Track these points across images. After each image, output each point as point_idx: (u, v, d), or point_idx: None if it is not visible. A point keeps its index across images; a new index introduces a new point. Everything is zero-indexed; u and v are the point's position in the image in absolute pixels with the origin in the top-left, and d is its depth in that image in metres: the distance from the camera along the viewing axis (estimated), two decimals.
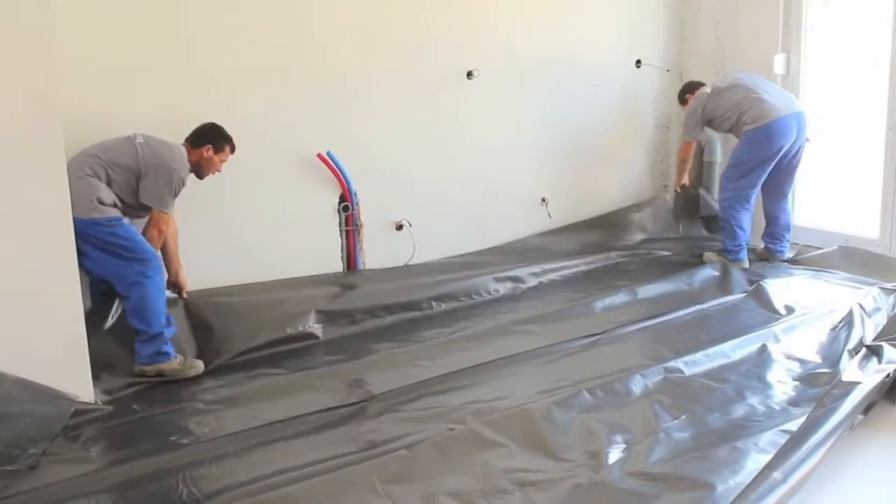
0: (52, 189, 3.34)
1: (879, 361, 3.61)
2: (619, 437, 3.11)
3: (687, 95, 5.70)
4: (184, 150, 3.93)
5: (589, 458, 2.97)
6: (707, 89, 5.49)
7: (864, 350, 3.76)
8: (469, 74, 5.19)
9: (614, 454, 3.00)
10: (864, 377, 3.43)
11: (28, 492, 2.87)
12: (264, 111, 4.47)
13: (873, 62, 5.39)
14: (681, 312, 4.51)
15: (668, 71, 6.20)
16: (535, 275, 5.24)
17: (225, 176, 4.26)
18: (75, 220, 3.47)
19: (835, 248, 5.41)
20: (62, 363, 3.43)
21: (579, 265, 5.49)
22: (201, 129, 4.03)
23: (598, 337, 4.19)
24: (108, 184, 3.71)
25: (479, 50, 5.23)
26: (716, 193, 5.95)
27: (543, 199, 5.69)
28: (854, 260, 5.22)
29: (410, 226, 5.07)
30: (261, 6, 4.40)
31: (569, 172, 5.82)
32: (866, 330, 4.05)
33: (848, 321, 4.13)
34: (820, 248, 5.53)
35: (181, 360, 3.87)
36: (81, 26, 3.89)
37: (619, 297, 4.78)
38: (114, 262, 3.69)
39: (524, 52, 5.46)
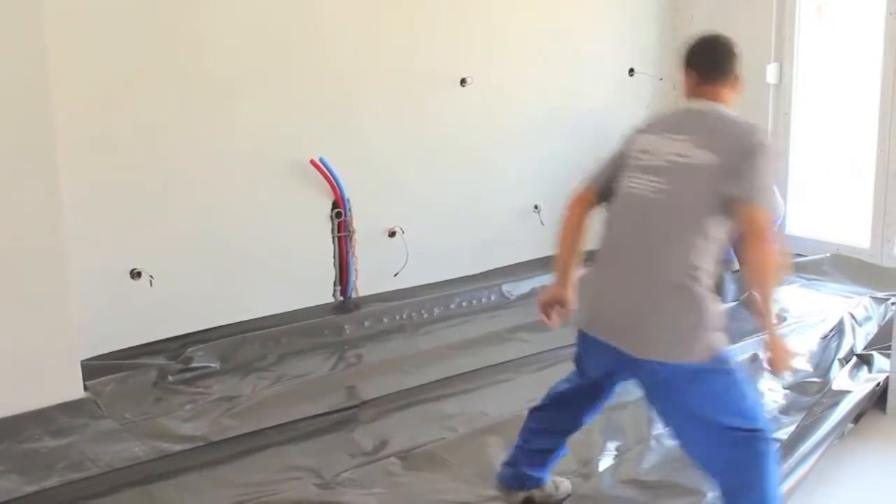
0: (45, 199, 3.33)
1: (870, 370, 3.63)
2: (610, 445, 3.12)
3: None
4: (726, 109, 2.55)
5: (580, 465, 2.97)
6: None
7: (854, 359, 3.77)
8: (462, 81, 5.19)
9: (605, 461, 3.01)
10: (855, 386, 3.45)
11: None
12: (257, 117, 4.46)
13: (865, 71, 5.41)
14: None
15: (661, 79, 6.21)
16: (526, 282, 5.25)
17: (215, 181, 4.28)
18: (666, 366, 2.29)
19: (827, 255, 5.42)
20: (54, 374, 3.44)
21: None
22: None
23: None
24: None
25: (472, 57, 5.23)
26: None
27: (536, 207, 5.69)
28: (846, 269, 5.23)
29: (403, 232, 5.06)
30: (255, 13, 4.39)
31: (561, 180, 5.79)
32: (857, 339, 4.07)
33: (839, 330, 4.14)
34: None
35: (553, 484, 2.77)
36: (75, 28, 3.87)
37: None
38: (709, 432, 2.29)
39: (517, 59, 5.45)
